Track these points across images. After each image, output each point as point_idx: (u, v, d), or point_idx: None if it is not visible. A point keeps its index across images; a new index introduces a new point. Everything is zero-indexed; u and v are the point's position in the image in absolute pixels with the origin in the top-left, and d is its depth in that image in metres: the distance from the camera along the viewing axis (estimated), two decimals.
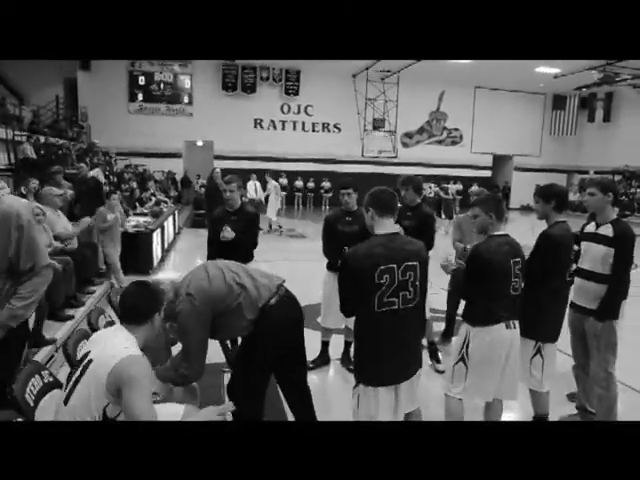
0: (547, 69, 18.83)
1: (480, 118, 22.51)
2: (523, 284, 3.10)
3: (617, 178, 20.12)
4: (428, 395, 3.46)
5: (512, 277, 2.74)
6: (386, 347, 2.37)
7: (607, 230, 3.12)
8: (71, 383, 1.99)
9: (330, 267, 4.16)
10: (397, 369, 2.42)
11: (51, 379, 2.35)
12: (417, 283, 2.37)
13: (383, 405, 2.41)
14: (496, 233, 2.82)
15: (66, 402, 1.97)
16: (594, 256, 3.16)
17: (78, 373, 1.99)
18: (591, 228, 3.26)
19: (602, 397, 3.16)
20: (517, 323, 2.80)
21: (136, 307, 2.13)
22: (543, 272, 2.96)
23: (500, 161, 23.74)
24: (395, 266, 2.29)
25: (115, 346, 1.97)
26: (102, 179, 10.11)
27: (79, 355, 2.17)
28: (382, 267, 2.27)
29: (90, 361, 1.97)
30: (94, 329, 3.10)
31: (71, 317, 4.91)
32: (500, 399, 2.93)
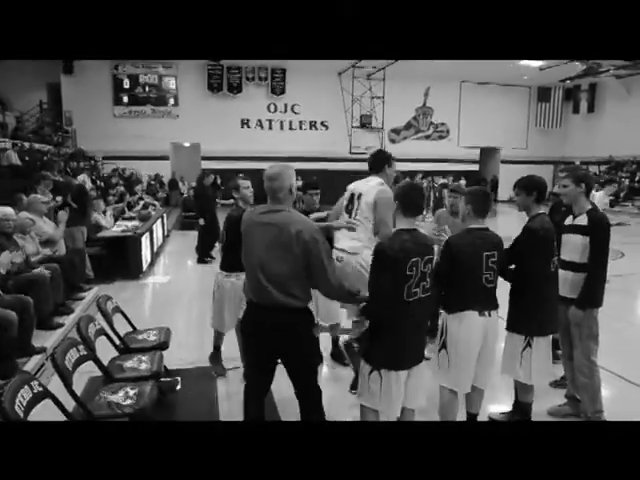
0: (532, 61, 18.91)
1: (466, 112, 22.56)
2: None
3: (603, 168, 20.34)
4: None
5: (484, 270, 2.84)
6: (410, 333, 2.56)
7: (583, 220, 3.20)
8: None
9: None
10: (413, 353, 2.62)
11: (40, 389, 2.35)
12: (431, 274, 2.61)
13: (400, 388, 2.57)
14: (474, 226, 2.92)
15: None
16: (573, 246, 3.23)
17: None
18: (569, 220, 3.33)
19: (586, 385, 3.21)
20: (493, 313, 2.89)
21: None
22: (524, 265, 3.02)
23: (487, 154, 23.83)
24: (419, 259, 2.52)
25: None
26: (89, 184, 10.05)
27: None
28: (413, 259, 2.48)
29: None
30: (83, 337, 3.10)
31: (61, 325, 4.88)
32: (481, 389, 3.01)
